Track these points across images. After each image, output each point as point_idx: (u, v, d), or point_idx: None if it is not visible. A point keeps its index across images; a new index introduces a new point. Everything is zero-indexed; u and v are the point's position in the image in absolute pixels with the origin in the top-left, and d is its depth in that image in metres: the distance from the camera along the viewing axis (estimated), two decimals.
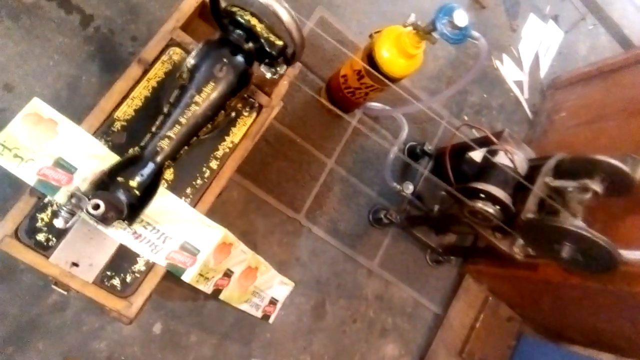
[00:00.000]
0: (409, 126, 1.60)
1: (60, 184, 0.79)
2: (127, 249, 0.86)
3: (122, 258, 0.88)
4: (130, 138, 0.91)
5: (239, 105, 1.00)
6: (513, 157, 1.19)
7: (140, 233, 0.84)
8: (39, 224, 0.82)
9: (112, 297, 0.86)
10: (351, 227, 1.61)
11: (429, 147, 1.66)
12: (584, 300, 1.46)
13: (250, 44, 0.84)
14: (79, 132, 0.81)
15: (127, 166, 0.72)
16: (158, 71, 0.96)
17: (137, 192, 0.70)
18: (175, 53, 0.98)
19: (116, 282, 0.87)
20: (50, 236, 0.82)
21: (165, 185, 0.90)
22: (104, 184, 0.68)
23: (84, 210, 0.64)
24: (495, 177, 1.19)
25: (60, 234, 0.82)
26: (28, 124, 0.78)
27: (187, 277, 0.90)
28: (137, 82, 0.94)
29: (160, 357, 1.29)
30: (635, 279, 1.19)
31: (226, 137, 1.01)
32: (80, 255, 0.84)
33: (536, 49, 2.21)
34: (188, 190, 0.95)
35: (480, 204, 1.16)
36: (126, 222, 0.69)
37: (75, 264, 0.83)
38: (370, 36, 1.31)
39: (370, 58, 1.26)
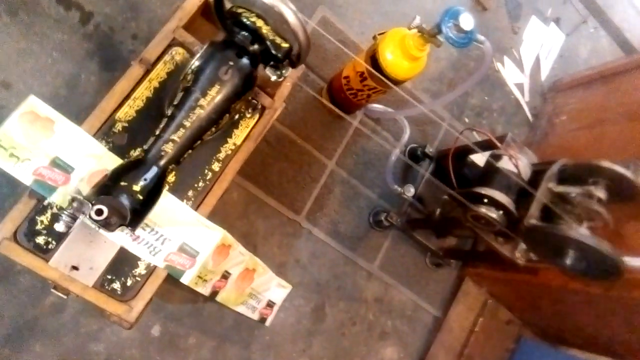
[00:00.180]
0: (409, 128, 1.60)
1: (56, 184, 0.78)
2: (128, 252, 0.84)
3: (123, 261, 0.86)
4: (131, 139, 0.90)
5: (242, 106, 0.99)
6: (517, 163, 1.19)
7: (138, 235, 0.82)
8: (39, 226, 0.81)
9: (112, 301, 0.85)
10: (351, 229, 1.60)
11: (430, 150, 1.65)
12: (584, 304, 1.46)
13: (256, 46, 0.83)
14: (76, 130, 0.80)
15: (130, 170, 0.71)
16: (160, 71, 0.94)
17: (140, 197, 0.69)
18: (177, 53, 0.96)
19: (117, 286, 0.86)
20: (49, 239, 0.81)
21: (167, 187, 0.89)
22: (107, 188, 0.67)
23: (87, 216, 0.63)
24: (499, 182, 1.18)
25: (60, 237, 0.80)
26: (24, 123, 0.76)
27: (186, 280, 0.88)
28: (139, 82, 0.92)
29: (158, 359, 1.28)
30: (636, 285, 1.19)
31: (228, 139, 0.99)
32: (81, 259, 0.82)
33: (537, 52, 2.20)
34: (190, 193, 0.94)
35: (483, 209, 1.16)
36: (129, 227, 0.68)
37: (75, 268, 0.82)
38: (374, 38, 1.30)
39: (373, 60, 1.24)
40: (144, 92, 0.92)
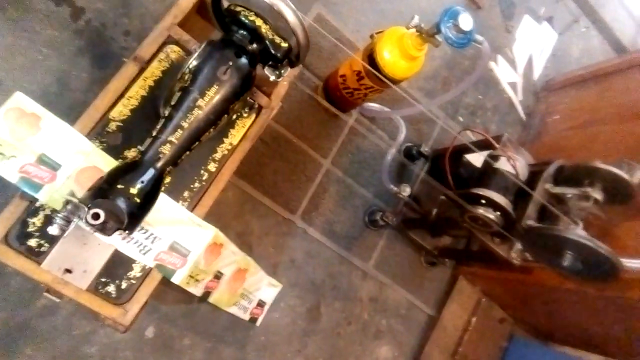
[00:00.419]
0: (404, 127, 1.59)
1: (43, 182, 0.76)
2: (123, 255, 0.83)
3: (117, 264, 0.85)
4: (126, 139, 0.88)
5: (239, 106, 0.97)
6: (515, 164, 1.19)
7: None
8: (31, 228, 0.78)
9: (107, 304, 0.83)
10: (347, 228, 1.60)
11: (425, 149, 1.65)
12: (577, 303, 1.47)
13: (255, 45, 0.81)
14: (64, 127, 0.77)
15: (127, 172, 0.69)
16: (155, 70, 0.92)
17: (137, 200, 0.67)
18: (172, 51, 0.94)
19: (111, 288, 0.84)
20: (42, 241, 0.79)
21: (162, 188, 0.87)
22: (103, 190, 0.65)
23: (83, 220, 0.61)
24: (497, 183, 1.18)
25: (53, 239, 0.78)
26: (10, 119, 0.74)
27: (177, 279, 0.87)
28: (133, 80, 0.90)
29: None
30: (631, 285, 1.20)
31: (225, 139, 0.98)
32: (74, 261, 0.80)
33: (530, 51, 2.21)
34: (185, 194, 0.92)
35: (481, 210, 1.16)
36: (127, 231, 0.66)
37: (68, 271, 0.80)
38: (371, 36, 1.29)
39: (371, 59, 1.24)
40: (138, 90, 0.90)
